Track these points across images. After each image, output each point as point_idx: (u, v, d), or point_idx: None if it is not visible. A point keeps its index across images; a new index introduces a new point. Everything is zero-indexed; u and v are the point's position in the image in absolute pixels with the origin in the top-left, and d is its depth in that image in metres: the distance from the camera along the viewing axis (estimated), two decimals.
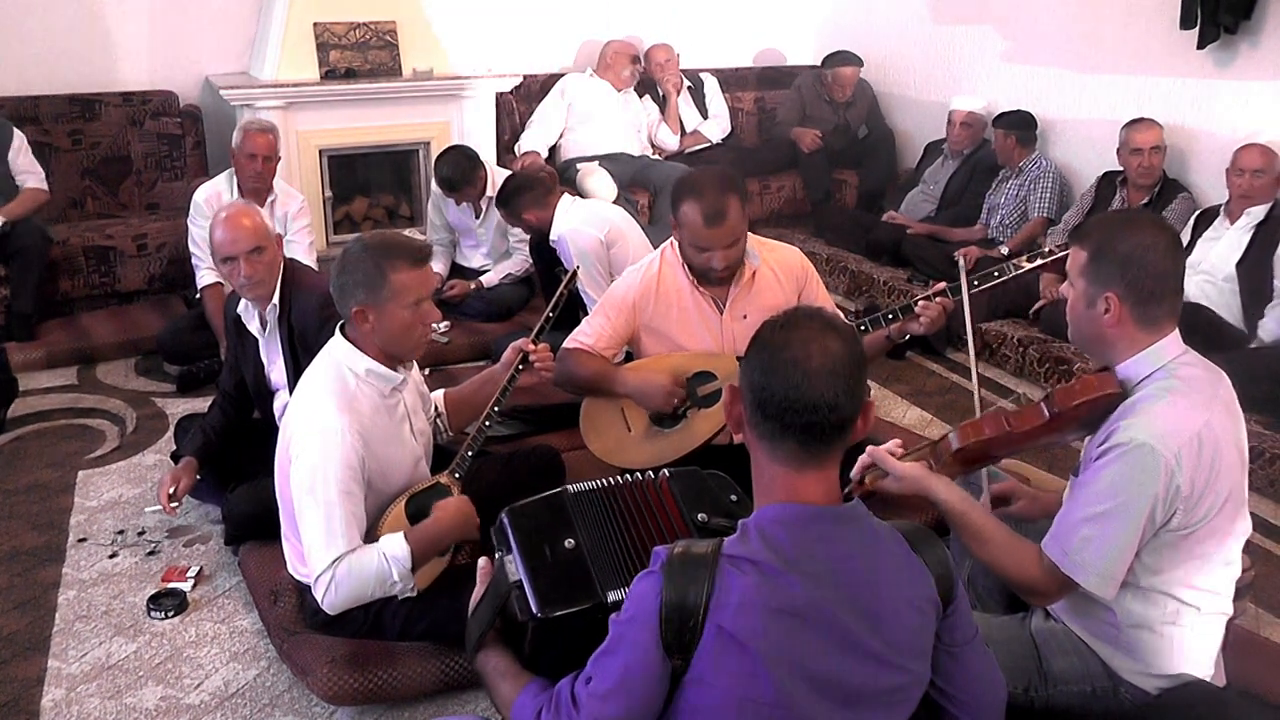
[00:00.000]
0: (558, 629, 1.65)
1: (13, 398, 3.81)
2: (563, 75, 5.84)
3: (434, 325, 2.53)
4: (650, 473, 1.90)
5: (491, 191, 4.63)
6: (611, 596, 1.67)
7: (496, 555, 1.74)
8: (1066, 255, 2.66)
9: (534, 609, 1.64)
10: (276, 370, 3.01)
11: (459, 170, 4.55)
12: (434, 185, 4.78)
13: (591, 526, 1.77)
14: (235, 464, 2.99)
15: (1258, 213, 3.89)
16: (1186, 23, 4.37)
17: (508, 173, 4.65)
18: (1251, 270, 3.83)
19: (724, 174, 2.79)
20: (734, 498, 1.86)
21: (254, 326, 2.99)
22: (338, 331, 2.37)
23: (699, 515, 1.80)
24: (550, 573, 1.68)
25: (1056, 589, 1.86)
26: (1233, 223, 3.95)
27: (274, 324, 2.94)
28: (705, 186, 2.70)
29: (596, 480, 1.86)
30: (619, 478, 1.89)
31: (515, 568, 1.68)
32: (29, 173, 4.48)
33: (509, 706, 1.60)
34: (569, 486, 1.83)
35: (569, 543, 1.72)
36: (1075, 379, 1.97)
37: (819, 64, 6.32)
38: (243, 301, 2.98)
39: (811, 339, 1.40)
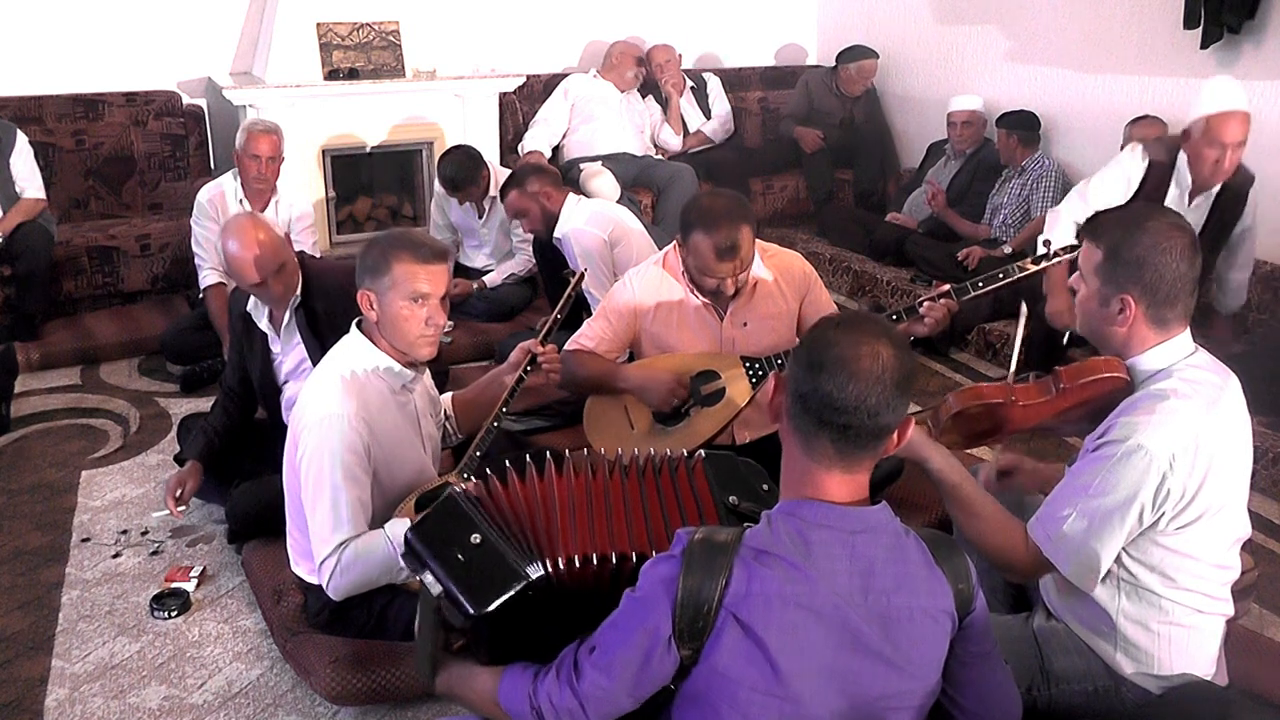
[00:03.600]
0: (499, 623, 1.65)
1: (14, 374, 3.83)
2: (566, 75, 5.84)
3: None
4: (684, 452, 1.90)
5: (494, 191, 4.64)
6: (533, 572, 1.67)
7: (417, 578, 1.74)
8: (1070, 257, 2.65)
9: (470, 609, 1.64)
10: (289, 360, 3.02)
11: (462, 170, 4.55)
12: (437, 185, 4.79)
13: (487, 516, 1.76)
14: (239, 464, 2.99)
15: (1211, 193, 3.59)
16: (1190, 23, 4.36)
17: (511, 172, 4.66)
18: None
19: (735, 201, 2.75)
20: (765, 487, 1.85)
21: (264, 324, 3.00)
22: (353, 326, 2.39)
23: (730, 498, 1.81)
24: (469, 571, 1.67)
25: (1036, 569, 1.87)
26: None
27: (291, 316, 2.96)
28: (718, 218, 2.65)
29: (467, 472, 1.84)
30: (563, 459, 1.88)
31: (434, 579, 1.68)
32: (28, 181, 4.45)
33: (492, 698, 1.58)
34: (455, 487, 1.82)
35: (475, 538, 1.71)
36: (1084, 360, 1.96)
37: (821, 63, 6.32)
38: (252, 299, 2.99)
39: (864, 342, 1.40)
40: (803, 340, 1.47)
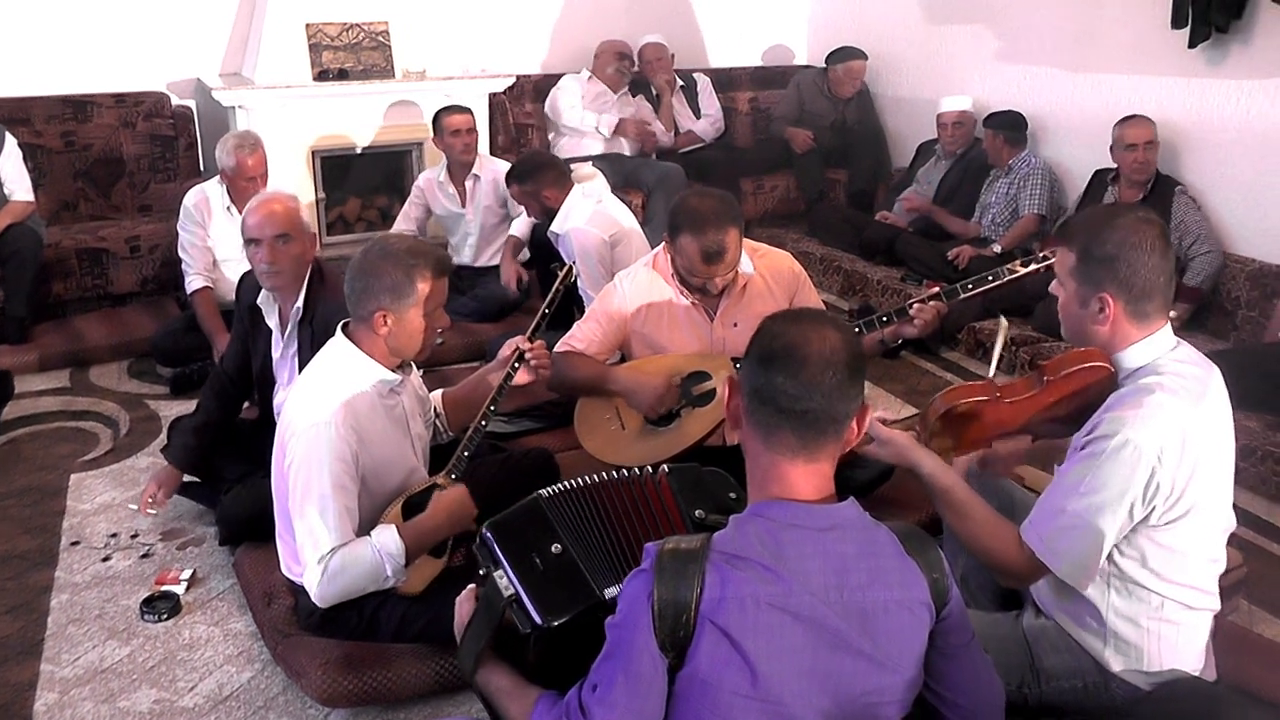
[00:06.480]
0: (560, 635, 1.64)
1: (7, 398, 3.80)
2: (559, 76, 5.83)
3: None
4: (649, 468, 1.88)
5: (478, 170, 4.64)
6: (609, 593, 1.66)
7: (481, 572, 1.73)
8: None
9: (537, 620, 1.63)
10: (285, 369, 3.00)
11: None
12: (414, 187, 4.82)
13: (573, 527, 1.76)
14: (227, 467, 2.98)
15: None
16: (1178, 22, 4.37)
17: (500, 162, 4.66)
18: None
19: (723, 202, 2.74)
20: (733, 495, 1.85)
21: (272, 321, 2.98)
22: (339, 331, 2.38)
23: (697, 511, 1.79)
24: (545, 581, 1.67)
25: (1030, 572, 1.87)
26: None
27: (294, 326, 2.93)
28: (706, 221, 2.66)
29: (569, 481, 1.83)
30: (596, 475, 1.86)
31: (508, 582, 1.66)
32: (17, 183, 4.43)
33: None
34: (541, 491, 1.80)
35: (555, 548, 1.70)
36: (1065, 352, 1.97)
37: (811, 63, 6.32)
38: (263, 293, 2.96)
39: (810, 329, 1.44)
40: (752, 339, 1.49)
